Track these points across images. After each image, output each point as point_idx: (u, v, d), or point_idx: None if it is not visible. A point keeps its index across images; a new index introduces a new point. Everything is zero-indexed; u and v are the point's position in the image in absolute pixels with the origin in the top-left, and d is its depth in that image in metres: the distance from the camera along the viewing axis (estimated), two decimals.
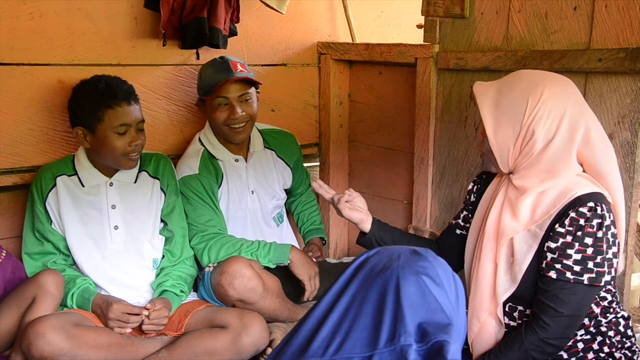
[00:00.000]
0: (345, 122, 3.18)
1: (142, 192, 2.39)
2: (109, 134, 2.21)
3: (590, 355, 1.73)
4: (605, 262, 1.63)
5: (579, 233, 1.62)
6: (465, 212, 2.01)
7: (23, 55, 2.36)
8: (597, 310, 1.73)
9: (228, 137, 2.57)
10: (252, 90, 2.56)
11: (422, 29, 2.64)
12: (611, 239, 1.64)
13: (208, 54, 2.68)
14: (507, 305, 1.78)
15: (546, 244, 1.67)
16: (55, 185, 2.29)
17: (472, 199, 1.98)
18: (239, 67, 2.52)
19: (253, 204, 2.67)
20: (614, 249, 1.65)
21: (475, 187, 1.99)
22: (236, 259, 2.35)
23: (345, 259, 3.09)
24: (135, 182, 2.39)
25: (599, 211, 1.61)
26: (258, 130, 2.73)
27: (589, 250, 1.61)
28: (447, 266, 1.17)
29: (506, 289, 1.73)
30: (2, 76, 2.32)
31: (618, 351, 1.75)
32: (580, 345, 1.73)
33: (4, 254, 2.25)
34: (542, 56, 2.18)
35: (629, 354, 1.77)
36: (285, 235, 2.81)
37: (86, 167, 2.32)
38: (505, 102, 1.69)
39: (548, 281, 1.65)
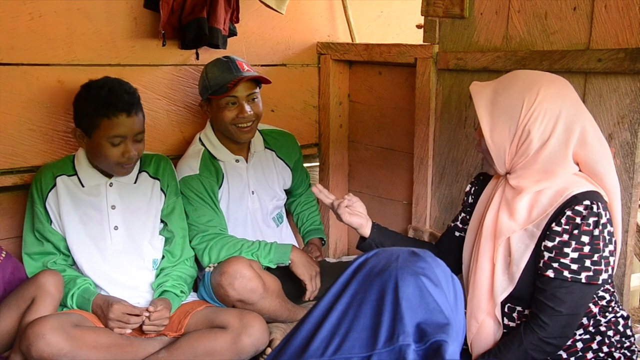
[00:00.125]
0: (345, 122, 3.18)
1: (142, 192, 2.39)
2: (103, 142, 2.20)
3: (590, 354, 1.73)
4: (603, 260, 1.63)
5: (576, 231, 1.62)
6: (463, 214, 2.01)
7: (23, 55, 2.36)
8: (595, 309, 1.73)
9: (234, 137, 2.57)
10: (258, 89, 2.58)
11: (422, 29, 2.65)
12: (608, 237, 1.64)
13: (208, 54, 2.68)
14: (506, 306, 1.78)
15: (543, 243, 1.67)
16: (55, 185, 2.29)
17: (470, 200, 1.98)
18: (245, 67, 2.53)
19: (253, 205, 2.67)
20: (611, 246, 1.65)
21: (473, 188, 1.99)
22: (236, 260, 2.35)
23: (345, 258, 3.09)
24: (135, 182, 2.39)
25: (595, 209, 1.61)
26: (259, 130, 2.73)
27: (586, 249, 1.62)
28: (445, 267, 1.17)
29: (504, 289, 1.73)
30: (2, 76, 2.32)
31: (617, 351, 1.75)
32: (580, 345, 1.73)
33: (3, 255, 2.25)
34: (541, 56, 2.18)
35: (628, 354, 1.77)
36: (285, 235, 2.81)
37: (86, 167, 2.32)
38: (502, 102, 1.70)
39: (546, 280, 1.66)
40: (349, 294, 1.14)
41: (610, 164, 1.71)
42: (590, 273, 1.62)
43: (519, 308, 1.77)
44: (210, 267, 2.44)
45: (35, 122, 2.42)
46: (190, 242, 2.47)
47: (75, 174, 2.32)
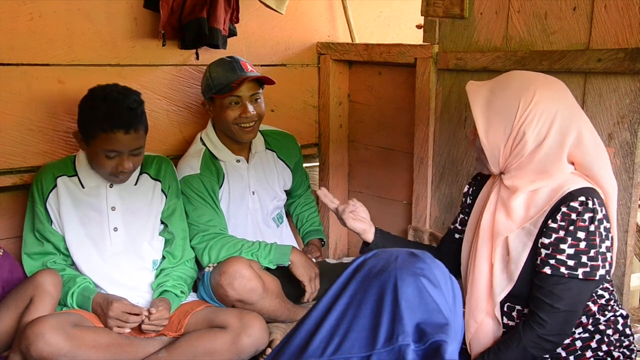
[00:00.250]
0: (344, 122, 3.18)
1: (143, 194, 2.39)
2: (99, 152, 2.18)
3: (589, 353, 1.73)
4: (599, 256, 1.63)
5: (571, 227, 1.62)
6: (462, 216, 2.02)
7: (23, 55, 2.36)
8: (594, 308, 1.73)
9: (236, 136, 2.57)
10: (261, 90, 2.58)
11: (422, 29, 2.65)
12: (604, 233, 1.64)
13: (208, 55, 2.68)
14: (506, 305, 1.78)
15: (540, 241, 1.67)
16: (55, 185, 2.29)
17: (468, 201, 1.98)
18: (249, 67, 2.54)
19: (254, 205, 2.68)
20: (607, 242, 1.65)
21: (471, 189, 1.99)
22: (236, 260, 2.35)
23: (345, 259, 3.09)
24: (135, 184, 2.38)
25: (590, 205, 1.62)
26: (260, 131, 2.73)
27: (582, 245, 1.62)
28: (444, 268, 1.18)
29: (503, 288, 1.73)
30: (2, 76, 2.32)
31: (616, 350, 1.75)
32: (579, 344, 1.73)
33: (0, 253, 2.25)
34: (541, 56, 2.18)
35: (627, 353, 1.77)
36: (285, 235, 2.81)
37: (87, 168, 2.32)
38: (498, 102, 1.70)
39: (543, 277, 1.66)
40: (348, 294, 1.14)
41: (607, 164, 1.71)
42: (587, 269, 1.62)
43: (518, 307, 1.77)
44: (209, 266, 2.44)
45: (35, 122, 2.42)
46: (190, 241, 2.47)
47: (76, 174, 2.32)
